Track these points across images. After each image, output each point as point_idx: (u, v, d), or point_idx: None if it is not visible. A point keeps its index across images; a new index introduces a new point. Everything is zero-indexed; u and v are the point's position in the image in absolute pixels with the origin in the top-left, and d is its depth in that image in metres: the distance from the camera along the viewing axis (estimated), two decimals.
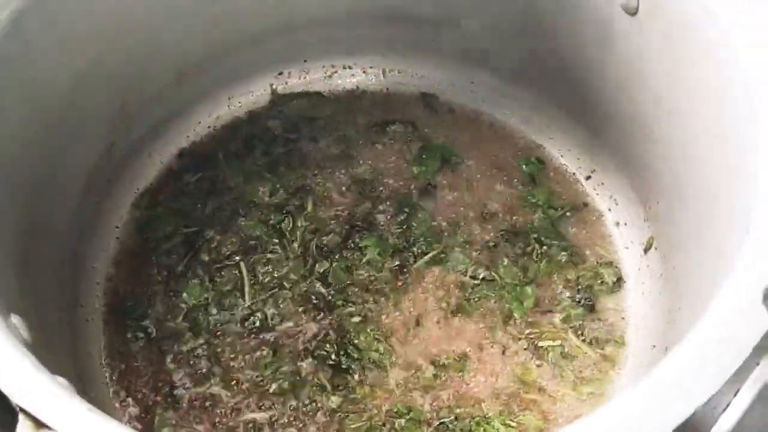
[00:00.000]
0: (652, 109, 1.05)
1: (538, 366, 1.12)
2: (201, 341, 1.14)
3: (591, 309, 1.16)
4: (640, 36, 1.00)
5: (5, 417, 0.72)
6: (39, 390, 0.70)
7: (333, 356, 1.12)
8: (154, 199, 1.27)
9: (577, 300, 1.17)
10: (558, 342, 1.13)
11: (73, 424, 0.68)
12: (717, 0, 0.87)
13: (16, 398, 0.69)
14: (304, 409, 1.08)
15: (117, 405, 1.10)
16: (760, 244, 0.76)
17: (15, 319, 0.80)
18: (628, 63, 1.05)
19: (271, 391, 1.10)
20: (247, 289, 1.17)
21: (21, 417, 0.69)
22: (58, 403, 0.69)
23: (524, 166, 1.29)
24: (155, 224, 1.24)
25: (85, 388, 1.08)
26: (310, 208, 1.24)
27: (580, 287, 1.18)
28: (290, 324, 1.15)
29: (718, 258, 0.88)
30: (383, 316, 1.15)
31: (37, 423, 0.68)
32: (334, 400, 1.09)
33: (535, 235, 1.22)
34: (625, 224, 1.23)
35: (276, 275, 1.19)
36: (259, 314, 1.15)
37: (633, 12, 0.99)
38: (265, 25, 1.25)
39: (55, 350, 1.00)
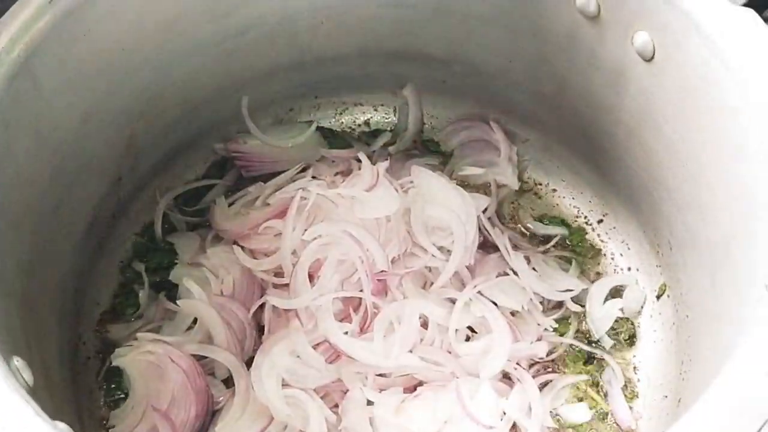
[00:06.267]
0: (665, 157, 1.04)
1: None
2: None
3: (604, 362, 1.14)
4: (654, 83, 0.99)
5: None
6: None
7: None
8: (158, 234, 1.25)
9: (591, 354, 1.15)
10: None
11: None
12: (735, 53, 0.86)
13: None
14: None
15: None
16: None
17: (17, 361, 0.79)
18: (642, 109, 1.04)
19: None
20: None
21: None
22: None
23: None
24: (156, 260, 1.23)
25: (86, 427, 1.06)
26: None
27: (592, 341, 1.17)
28: None
29: (734, 311, 0.87)
30: None
31: None
32: None
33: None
34: (638, 270, 1.21)
35: None
36: None
37: (649, 57, 0.98)
38: (276, 62, 1.25)
39: (57, 390, 0.99)
